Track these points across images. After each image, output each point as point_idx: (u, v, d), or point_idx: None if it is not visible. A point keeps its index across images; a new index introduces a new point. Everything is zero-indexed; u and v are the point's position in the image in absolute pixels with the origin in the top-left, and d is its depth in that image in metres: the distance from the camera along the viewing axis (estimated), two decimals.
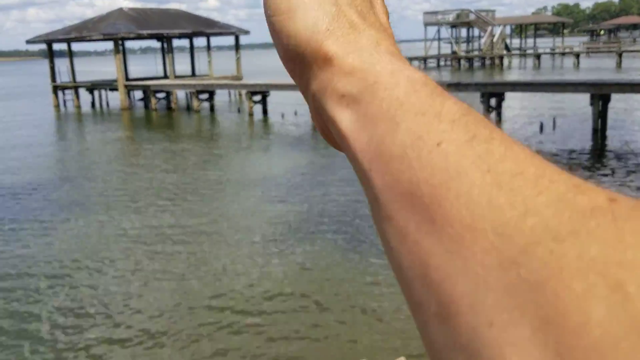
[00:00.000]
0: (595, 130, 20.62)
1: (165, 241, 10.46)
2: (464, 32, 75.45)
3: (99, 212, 12.76)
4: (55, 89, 41.11)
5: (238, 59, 42.28)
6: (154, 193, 14.54)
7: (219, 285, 8.40)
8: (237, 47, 42.97)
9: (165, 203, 13.41)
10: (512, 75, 53.51)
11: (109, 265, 9.35)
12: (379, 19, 0.43)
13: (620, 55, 58.62)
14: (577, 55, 61.91)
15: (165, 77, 40.93)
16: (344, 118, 0.36)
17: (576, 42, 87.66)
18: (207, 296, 8.05)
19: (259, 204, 13.11)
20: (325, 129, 0.40)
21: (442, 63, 74.16)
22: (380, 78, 0.35)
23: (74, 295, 8.22)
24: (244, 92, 33.67)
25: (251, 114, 29.61)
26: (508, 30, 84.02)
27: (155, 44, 47.44)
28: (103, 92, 41.06)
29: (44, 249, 10.31)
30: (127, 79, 39.75)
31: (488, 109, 22.75)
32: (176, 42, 45.56)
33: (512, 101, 27.50)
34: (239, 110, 33.72)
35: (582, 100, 23.24)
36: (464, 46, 74.19)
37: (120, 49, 38.78)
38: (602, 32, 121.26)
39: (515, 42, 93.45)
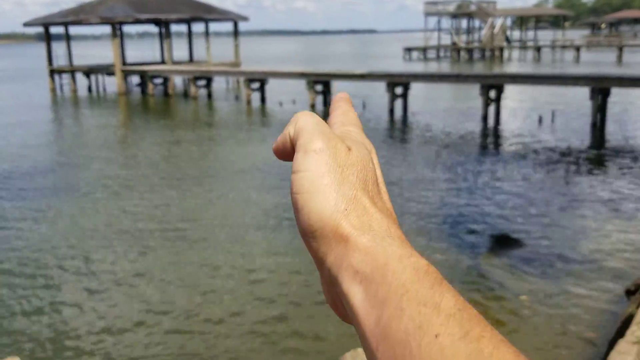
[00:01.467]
0: (594, 125, 20.59)
1: (159, 227, 10.44)
2: (464, 23, 75.24)
3: (94, 196, 12.73)
4: (52, 72, 40.87)
5: (236, 46, 42.05)
6: (149, 180, 14.51)
7: (212, 263, 8.40)
8: (236, 33, 42.71)
9: (161, 189, 13.38)
10: (512, 68, 53.45)
11: (103, 246, 9.34)
12: (385, 204, 0.52)
13: (621, 49, 58.49)
14: (578, 49, 61.78)
15: (163, 62, 40.72)
16: (356, 293, 0.41)
17: (577, 35, 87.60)
18: (205, 276, 8.07)
19: (254, 193, 13.08)
20: (336, 302, 0.46)
21: (441, 54, 74.01)
22: (390, 261, 0.41)
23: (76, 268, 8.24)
24: (242, 79, 33.51)
25: (249, 102, 29.49)
26: (509, 22, 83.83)
27: (153, 28, 47.07)
28: (100, 76, 40.86)
29: (38, 233, 10.29)
30: (125, 64, 39.53)
31: (487, 101, 22.68)
32: (174, 27, 45.18)
33: (512, 93, 27.47)
34: (236, 98, 33.61)
35: (581, 94, 23.20)
36: (464, 37, 74.00)
37: (117, 33, 38.53)
38: (603, 25, 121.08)
39: (516, 34, 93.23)
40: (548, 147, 18.19)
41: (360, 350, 5.47)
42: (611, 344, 5.38)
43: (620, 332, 5.42)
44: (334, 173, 0.46)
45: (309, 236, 0.45)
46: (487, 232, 10.16)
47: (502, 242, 9.62)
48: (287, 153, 0.52)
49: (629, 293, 7.35)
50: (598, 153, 17.49)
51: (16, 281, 8.15)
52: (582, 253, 9.07)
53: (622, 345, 4.82)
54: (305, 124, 0.52)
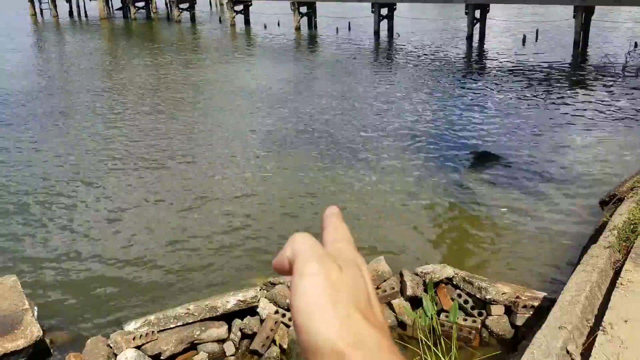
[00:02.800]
0: (576, 43, 20.68)
1: (148, 148, 10.65)
2: None
3: (82, 120, 12.80)
4: None
5: None
6: (135, 103, 14.55)
7: (204, 183, 8.72)
8: None
9: (148, 112, 13.46)
10: None
11: (95, 169, 9.56)
12: (377, 317, 0.53)
13: None
14: None
15: None
16: None
17: None
18: (198, 192, 8.40)
19: (241, 115, 13.26)
20: None
21: None
22: None
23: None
24: (225, 1, 32.68)
25: (233, 24, 28.95)
26: None
27: None
28: (81, 1, 39.52)
29: (30, 158, 10.44)
30: None
31: (472, 21, 22.56)
32: None
33: (496, 12, 27.16)
34: (220, 21, 32.88)
35: (565, 13, 23.09)
36: None
37: None
38: None
39: None
40: (531, 66, 18.36)
41: None
42: (584, 250, 5.74)
43: (594, 239, 5.71)
44: (328, 295, 0.50)
45: (309, 352, 0.49)
46: (470, 149, 10.54)
47: (484, 159, 10.02)
48: (285, 271, 0.54)
49: (603, 204, 7.79)
50: (579, 71, 17.72)
51: (8, 206, 8.42)
52: (560, 168, 9.50)
53: (594, 249, 5.09)
54: (300, 248, 0.54)
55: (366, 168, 9.65)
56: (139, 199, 8.60)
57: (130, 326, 5.03)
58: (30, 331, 4.78)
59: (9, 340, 4.68)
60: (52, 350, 5.14)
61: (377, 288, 5.48)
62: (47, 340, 5.16)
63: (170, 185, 9.10)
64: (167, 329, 5.09)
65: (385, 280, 5.55)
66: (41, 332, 4.84)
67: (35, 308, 5.29)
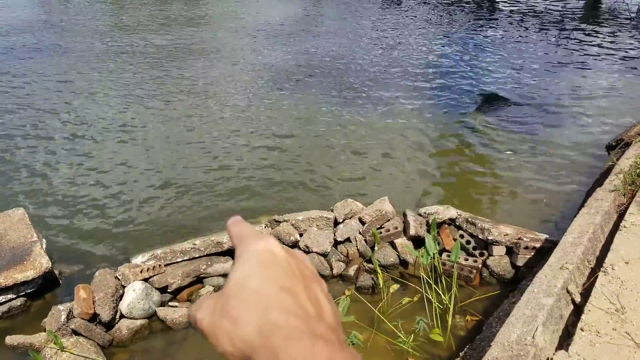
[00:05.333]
0: None
1: (153, 85, 10.56)
2: None
3: (86, 57, 12.65)
4: None
5: None
6: (136, 51, 14.33)
7: (208, 123, 8.69)
8: None
9: (150, 52, 13.28)
10: None
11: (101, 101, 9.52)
12: (326, 317, 0.57)
13: None
14: None
15: None
16: None
17: None
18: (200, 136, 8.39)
19: (246, 54, 13.06)
20: None
21: None
22: None
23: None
24: None
25: None
26: None
27: None
28: None
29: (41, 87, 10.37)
30: None
31: None
32: None
33: None
34: None
35: None
36: None
37: None
38: None
39: None
40: (543, 8, 17.89)
41: (350, 200, 5.95)
42: (589, 193, 5.74)
43: (599, 183, 5.73)
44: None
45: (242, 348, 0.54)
46: (478, 91, 10.41)
47: (492, 100, 9.91)
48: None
49: (610, 148, 7.76)
50: (592, 15, 17.26)
51: (17, 141, 8.42)
52: (567, 112, 9.40)
53: (599, 193, 5.11)
54: (244, 229, 0.64)
55: (372, 108, 9.57)
56: (148, 138, 8.58)
57: (138, 259, 5.12)
58: (39, 262, 4.87)
59: (19, 271, 4.78)
60: (60, 282, 5.25)
61: (381, 227, 5.54)
62: (56, 272, 5.26)
63: (175, 126, 9.05)
64: (174, 262, 5.18)
65: (388, 220, 5.60)
66: (50, 263, 4.93)
67: (44, 240, 5.37)
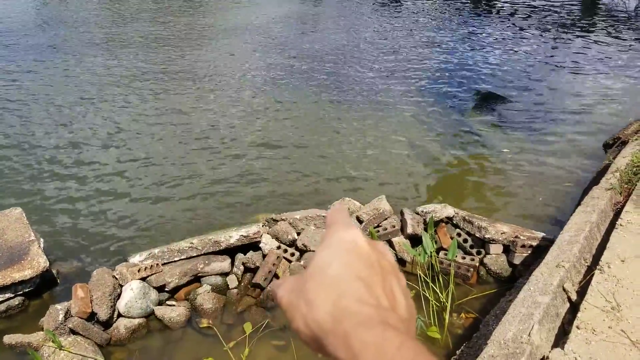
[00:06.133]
0: None
1: (152, 80, 10.55)
2: None
3: (84, 52, 12.64)
4: None
5: None
6: (138, 38, 14.31)
7: (207, 122, 8.69)
8: None
9: (151, 46, 13.27)
10: None
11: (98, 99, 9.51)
12: (399, 310, 0.58)
13: None
14: None
15: None
16: None
17: None
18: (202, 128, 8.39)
19: (245, 53, 13.05)
20: None
21: None
22: None
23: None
24: None
25: None
26: None
27: None
28: None
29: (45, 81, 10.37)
30: None
31: None
32: None
33: None
34: None
35: None
36: None
37: None
38: None
39: None
40: (541, 6, 17.91)
41: (347, 199, 5.97)
42: (586, 191, 5.72)
43: (596, 181, 5.73)
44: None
45: (312, 342, 0.57)
46: (474, 90, 10.42)
47: (488, 99, 9.92)
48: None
49: (607, 146, 7.78)
50: (590, 12, 17.28)
51: (13, 138, 8.42)
52: (564, 110, 9.41)
53: (595, 191, 5.11)
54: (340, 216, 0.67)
55: (369, 107, 9.57)
56: (144, 138, 8.57)
57: (135, 259, 5.12)
58: (37, 262, 4.87)
59: (17, 270, 4.78)
60: (58, 281, 5.26)
61: (378, 226, 5.55)
62: (54, 271, 5.27)
63: (171, 125, 9.05)
64: (171, 262, 5.19)
65: (386, 219, 5.61)
66: (47, 262, 4.93)
67: (42, 240, 5.37)
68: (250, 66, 11.99)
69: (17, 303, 4.85)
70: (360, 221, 5.64)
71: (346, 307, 0.54)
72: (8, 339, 4.29)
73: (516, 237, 5.20)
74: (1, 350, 4.33)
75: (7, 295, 4.79)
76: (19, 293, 4.86)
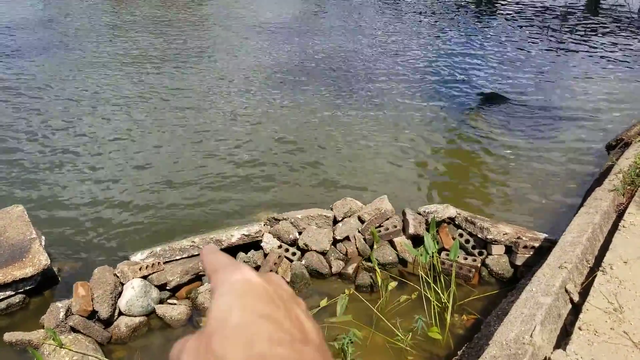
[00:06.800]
0: None
1: (153, 80, 10.55)
2: None
3: (87, 46, 12.63)
4: None
5: None
6: (142, 29, 14.31)
7: (207, 119, 8.68)
8: None
9: (149, 59, 13.27)
10: None
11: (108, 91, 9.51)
12: (310, 336, 0.56)
13: None
14: None
15: None
16: None
17: None
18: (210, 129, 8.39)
19: (248, 52, 13.05)
20: None
21: None
22: None
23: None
24: None
25: None
26: None
27: None
28: None
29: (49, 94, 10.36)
30: None
31: None
32: None
33: None
34: None
35: None
36: None
37: None
38: None
39: None
40: (544, 7, 17.89)
41: (349, 199, 5.95)
42: (588, 192, 5.72)
43: (599, 182, 5.71)
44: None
45: None
46: (477, 90, 10.41)
47: (491, 100, 9.90)
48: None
49: (609, 148, 7.75)
50: (593, 14, 17.26)
51: (17, 134, 8.42)
52: (568, 111, 9.39)
53: (598, 192, 5.12)
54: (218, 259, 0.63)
55: (372, 108, 9.56)
56: (145, 137, 8.57)
57: (137, 257, 5.12)
58: (38, 259, 4.87)
59: (18, 268, 4.78)
60: (59, 279, 5.25)
61: (380, 226, 5.54)
62: (55, 269, 5.27)
63: (172, 124, 9.05)
64: (173, 260, 5.18)
65: (387, 219, 5.60)
66: (49, 260, 4.92)
67: (43, 237, 5.37)
68: (251, 67, 11.98)
69: (17, 301, 4.85)
70: (362, 221, 5.63)
71: (260, 354, 0.50)
72: (8, 336, 4.29)
73: (518, 238, 5.18)
74: (1, 348, 4.33)
75: (8, 292, 4.78)
76: (20, 291, 4.85)
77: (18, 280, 4.75)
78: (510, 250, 5.25)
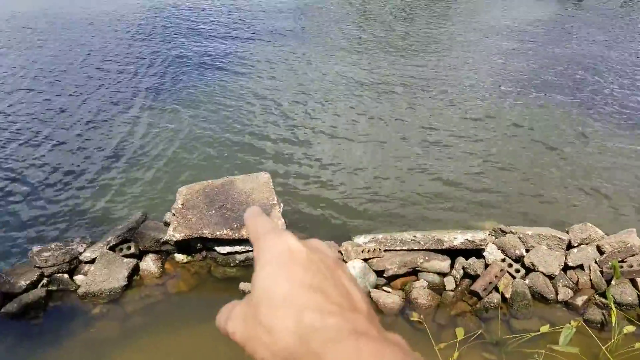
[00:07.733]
0: None
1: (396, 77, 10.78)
2: None
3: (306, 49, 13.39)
4: None
5: None
6: (373, 21, 14.73)
7: (449, 120, 8.60)
8: None
9: (385, 51, 13.56)
10: None
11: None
12: (359, 304, 0.55)
13: None
14: None
15: None
16: None
17: None
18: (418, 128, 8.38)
19: (489, 54, 12.63)
20: None
21: None
22: None
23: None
24: None
25: None
26: None
27: None
28: None
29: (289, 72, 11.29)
30: None
31: None
32: None
33: None
34: None
35: None
36: None
37: None
38: None
39: None
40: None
41: (589, 225, 5.41)
42: None
43: None
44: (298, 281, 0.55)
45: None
46: None
47: None
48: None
49: None
50: None
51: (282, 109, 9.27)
52: None
53: None
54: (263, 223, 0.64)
55: (613, 120, 8.57)
56: (379, 130, 8.84)
57: (360, 239, 5.31)
58: (276, 223, 5.32)
59: None
60: None
61: (623, 261, 4.95)
62: None
63: (414, 120, 9.16)
64: (392, 250, 5.27)
65: (633, 255, 4.99)
66: (285, 226, 5.36)
67: (281, 204, 5.86)
68: (494, 71, 11.57)
69: (252, 256, 5.36)
70: (600, 252, 5.09)
71: (310, 324, 0.49)
72: (243, 285, 4.78)
73: None
74: (236, 295, 4.85)
75: (248, 247, 5.33)
76: None
77: None
78: None
